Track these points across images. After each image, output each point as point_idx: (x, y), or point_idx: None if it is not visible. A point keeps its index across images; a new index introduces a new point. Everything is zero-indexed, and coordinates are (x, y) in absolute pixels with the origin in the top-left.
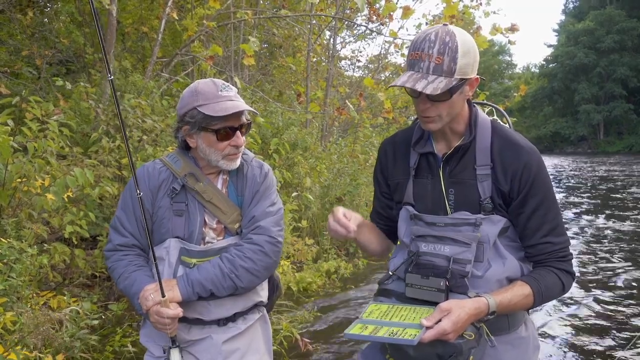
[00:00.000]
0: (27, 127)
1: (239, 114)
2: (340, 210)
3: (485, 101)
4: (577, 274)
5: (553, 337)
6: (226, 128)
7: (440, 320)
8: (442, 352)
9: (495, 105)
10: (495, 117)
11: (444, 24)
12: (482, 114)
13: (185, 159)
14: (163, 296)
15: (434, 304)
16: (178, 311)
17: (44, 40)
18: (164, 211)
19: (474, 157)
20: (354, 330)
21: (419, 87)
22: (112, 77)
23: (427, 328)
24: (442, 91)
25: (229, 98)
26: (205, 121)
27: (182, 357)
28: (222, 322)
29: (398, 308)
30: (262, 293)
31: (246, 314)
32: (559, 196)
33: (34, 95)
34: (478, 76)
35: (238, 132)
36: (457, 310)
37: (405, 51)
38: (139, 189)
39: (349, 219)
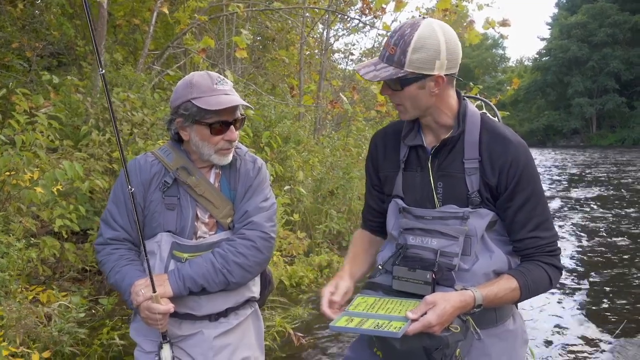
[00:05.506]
0: (15, 119)
1: (233, 108)
2: (326, 293)
3: (477, 95)
4: (566, 267)
5: (541, 330)
6: (220, 122)
7: (425, 313)
8: (428, 344)
9: (485, 100)
10: (485, 111)
11: (424, 17)
12: (471, 107)
13: (178, 152)
14: (154, 292)
15: (421, 296)
16: (169, 307)
17: (34, 32)
18: (155, 205)
19: (462, 151)
20: (339, 322)
21: (362, 72)
22: (103, 71)
23: (413, 321)
24: (383, 79)
25: (224, 92)
26: (199, 114)
27: (172, 352)
28: (214, 317)
29: (384, 301)
30: (254, 288)
31: (238, 309)
32: (547, 189)
33: (23, 87)
34: (443, 75)
35: (232, 127)
36: (443, 303)
37: None
38: (129, 184)
39: (335, 293)
